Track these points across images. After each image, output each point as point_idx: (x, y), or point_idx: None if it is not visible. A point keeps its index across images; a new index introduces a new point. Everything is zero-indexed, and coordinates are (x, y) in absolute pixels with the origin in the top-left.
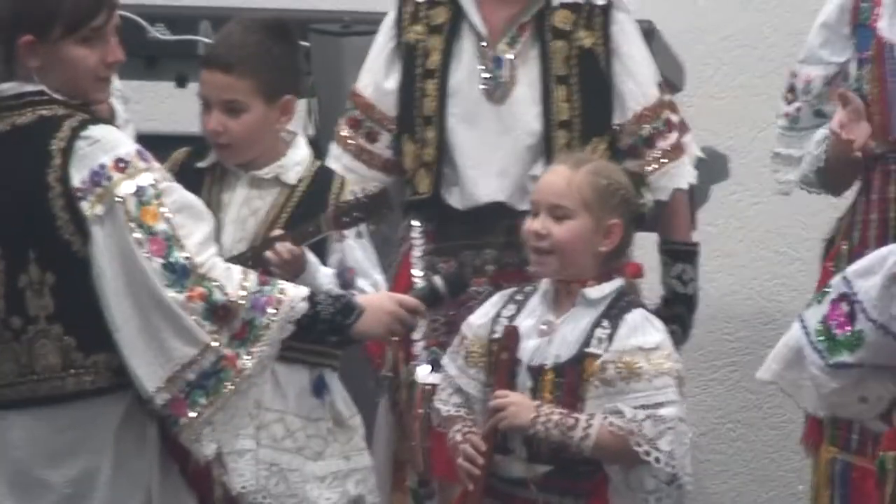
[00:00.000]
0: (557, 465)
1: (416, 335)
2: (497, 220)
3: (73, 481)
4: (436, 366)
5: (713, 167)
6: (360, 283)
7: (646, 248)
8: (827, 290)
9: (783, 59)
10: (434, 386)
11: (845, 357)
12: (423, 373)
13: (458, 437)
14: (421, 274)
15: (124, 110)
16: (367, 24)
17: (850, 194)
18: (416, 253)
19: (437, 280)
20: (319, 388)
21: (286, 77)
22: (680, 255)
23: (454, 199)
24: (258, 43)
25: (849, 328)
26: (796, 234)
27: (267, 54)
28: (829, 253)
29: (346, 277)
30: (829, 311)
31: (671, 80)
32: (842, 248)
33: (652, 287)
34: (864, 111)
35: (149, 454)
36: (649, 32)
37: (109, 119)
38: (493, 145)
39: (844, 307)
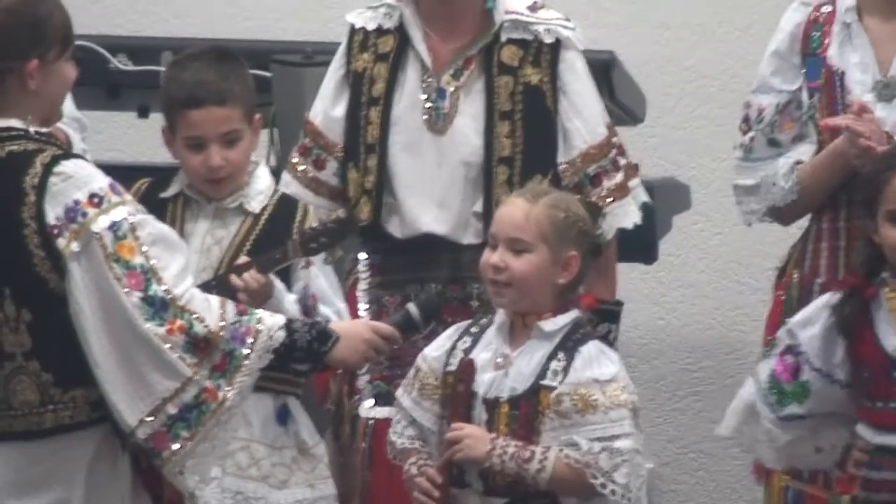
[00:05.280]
0: (513, 498)
1: (360, 369)
2: (441, 253)
3: None
4: (379, 400)
5: (675, 197)
6: (323, 310)
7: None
8: (774, 342)
9: (745, 90)
10: (376, 420)
11: (795, 409)
12: (367, 406)
13: (414, 470)
14: (366, 307)
15: (81, 140)
16: (328, 55)
17: (803, 223)
18: (362, 286)
19: (412, 307)
20: (284, 417)
21: (254, 96)
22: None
23: (394, 228)
24: (230, 70)
25: (795, 379)
26: (758, 265)
27: (241, 79)
28: (780, 282)
29: (307, 304)
30: (777, 363)
31: (633, 111)
32: (793, 277)
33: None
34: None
35: (120, 486)
36: (611, 62)
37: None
38: (433, 175)
39: (790, 359)
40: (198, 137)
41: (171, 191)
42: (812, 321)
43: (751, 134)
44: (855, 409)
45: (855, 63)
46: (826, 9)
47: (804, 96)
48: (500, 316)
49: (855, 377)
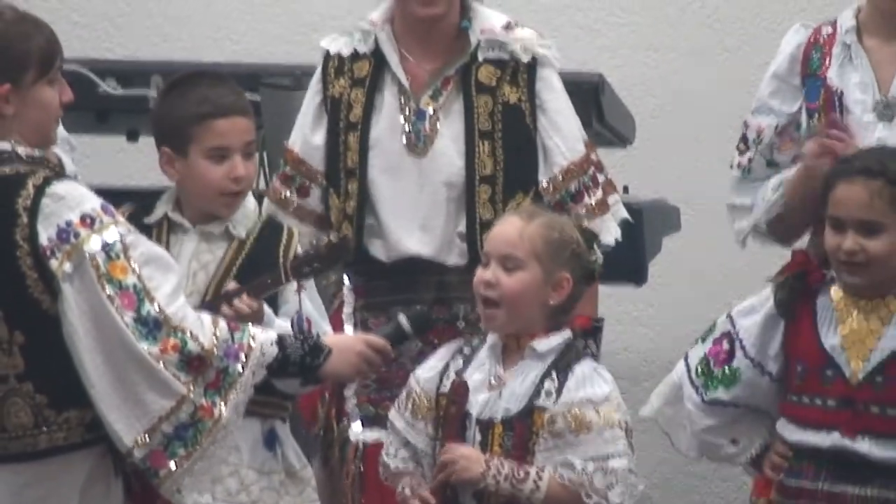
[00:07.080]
0: None
1: (348, 392)
2: (426, 275)
3: None
4: (366, 422)
5: (665, 219)
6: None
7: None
8: (712, 329)
9: (734, 112)
10: (366, 443)
11: (720, 394)
12: (356, 430)
13: (408, 492)
14: (352, 330)
15: (72, 161)
16: None
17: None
18: (347, 309)
19: (402, 319)
20: (271, 441)
21: None
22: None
23: (378, 252)
24: (233, 88)
25: (727, 365)
26: (748, 285)
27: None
28: None
29: (303, 328)
30: (711, 348)
31: (622, 133)
32: None
33: (609, 339)
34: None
35: None
36: (600, 85)
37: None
38: (415, 198)
39: (725, 345)
40: (223, 148)
41: (154, 216)
42: (754, 310)
43: (749, 154)
44: (779, 404)
45: (855, 83)
46: (826, 30)
47: (803, 118)
48: (493, 336)
49: (786, 371)
